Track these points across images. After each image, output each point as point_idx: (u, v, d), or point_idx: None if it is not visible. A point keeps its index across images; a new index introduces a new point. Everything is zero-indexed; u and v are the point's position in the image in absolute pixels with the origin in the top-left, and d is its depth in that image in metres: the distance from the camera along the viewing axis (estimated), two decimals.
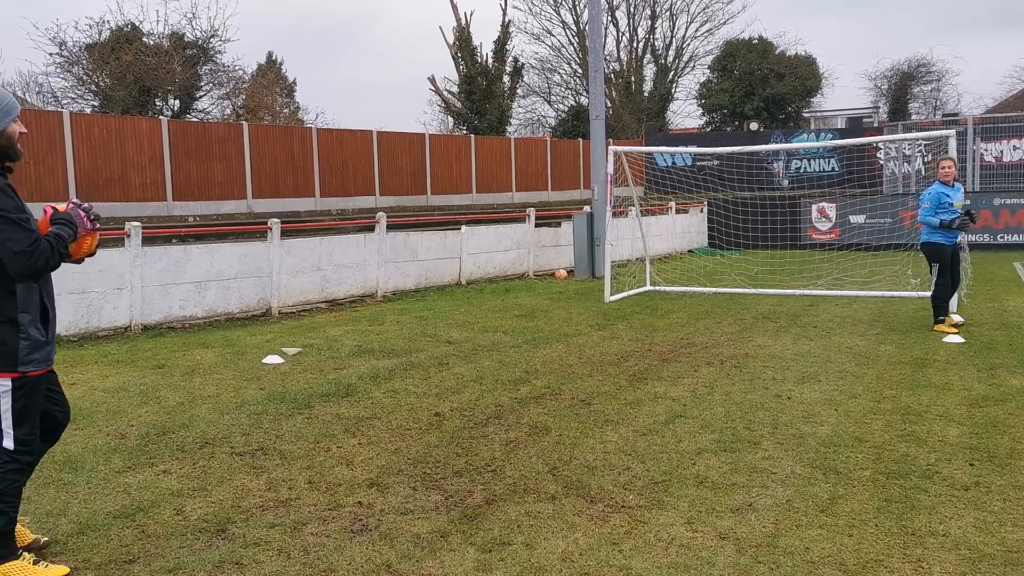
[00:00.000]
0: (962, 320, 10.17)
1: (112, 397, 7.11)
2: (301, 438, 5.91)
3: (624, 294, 13.75)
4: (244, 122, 24.83)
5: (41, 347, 3.75)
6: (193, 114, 30.72)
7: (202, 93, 31.40)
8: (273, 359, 8.64)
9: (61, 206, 3.86)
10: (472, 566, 3.87)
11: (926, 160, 24.41)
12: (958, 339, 9.10)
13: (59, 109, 24.59)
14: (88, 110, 27.51)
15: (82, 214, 3.83)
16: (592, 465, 5.23)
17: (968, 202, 9.67)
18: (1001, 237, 21.71)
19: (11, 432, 3.69)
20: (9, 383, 3.67)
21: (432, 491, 4.83)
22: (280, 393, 7.21)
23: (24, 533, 4.03)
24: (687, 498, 4.64)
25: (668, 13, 46.00)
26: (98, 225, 3.89)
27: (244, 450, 5.65)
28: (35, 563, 3.81)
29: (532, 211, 17.93)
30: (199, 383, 7.69)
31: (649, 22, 45.37)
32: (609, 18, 44.07)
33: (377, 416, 6.47)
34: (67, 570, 3.83)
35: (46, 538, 4.14)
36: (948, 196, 9.72)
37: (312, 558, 3.98)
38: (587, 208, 18.14)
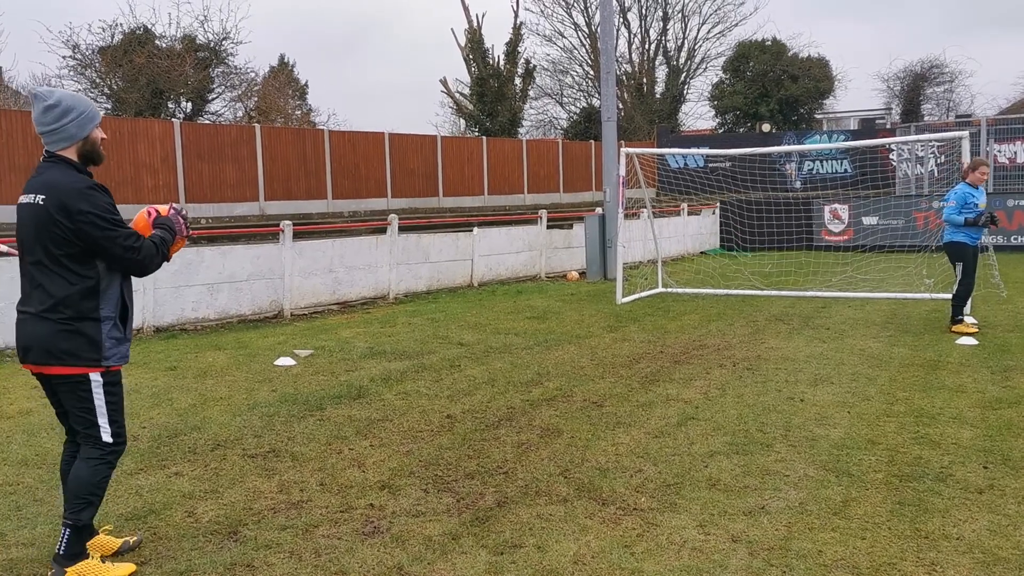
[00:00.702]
0: (975, 322, 10.13)
1: (125, 398, 7.14)
2: (313, 440, 5.92)
3: (636, 296, 13.73)
4: (256, 124, 24.93)
5: (122, 343, 3.88)
6: (205, 116, 30.86)
7: (214, 95, 31.53)
8: (285, 361, 8.66)
9: (163, 209, 4.03)
10: (483, 568, 3.86)
11: (939, 161, 24.28)
12: (972, 341, 9.05)
13: None
14: (101, 112, 27.65)
15: (181, 221, 4.04)
16: (604, 467, 5.22)
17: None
18: (1015, 239, 21.56)
19: (107, 426, 3.83)
20: (100, 377, 3.79)
21: (444, 493, 4.83)
22: (292, 395, 7.23)
23: (108, 541, 4.07)
24: (699, 501, 4.63)
25: (680, 15, 45.96)
26: (191, 231, 4.08)
27: (256, 452, 5.67)
28: (103, 560, 3.89)
29: (544, 213, 17.92)
30: (211, 385, 7.72)
31: (661, 24, 45.31)
32: (621, 20, 44.04)
33: (389, 418, 6.47)
34: (133, 567, 3.90)
35: (136, 536, 4.22)
36: (974, 197, 9.67)
37: (324, 560, 3.98)
38: (599, 210, 18.11)
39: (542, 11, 59.23)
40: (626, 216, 14.47)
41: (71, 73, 28.80)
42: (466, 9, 36.47)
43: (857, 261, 16.07)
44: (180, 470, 5.30)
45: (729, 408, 6.56)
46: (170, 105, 29.36)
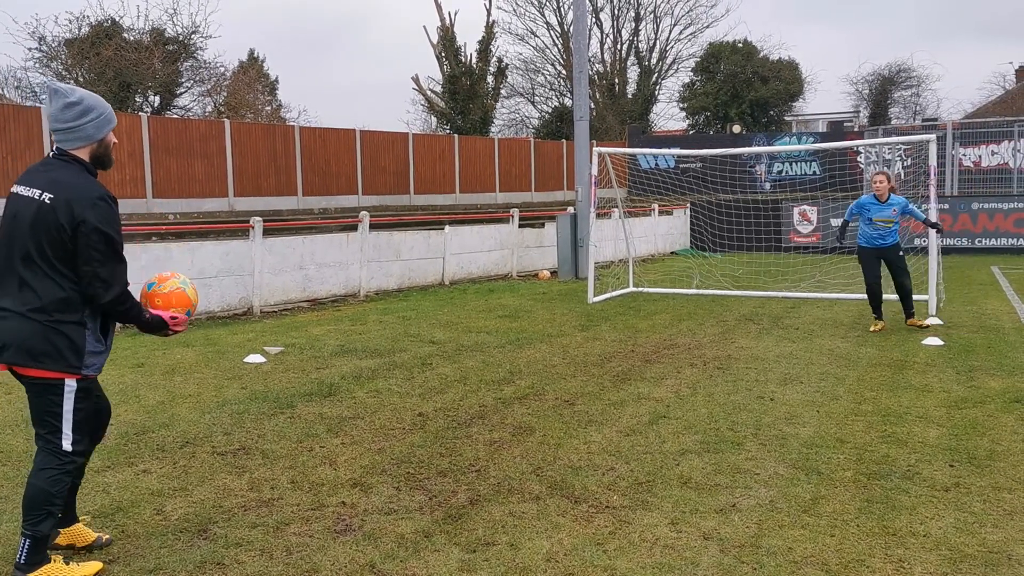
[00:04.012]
0: (938, 323, 10.32)
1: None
2: (283, 438, 5.87)
3: (607, 295, 13.78)
4: (226, 119, 24.68)
5: (100, 354, 3.80)
6: (173, 111, 30.48)
7: (183, 90, 31.14)
8: (255, 358, 8.59)
9: (181, 319, 3.98)
10: (456, 566, 3.86)
11: (906, 164, 24.60)
12: (938, 341, 9.18)
13: (38, 104, 24.36)
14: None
15: (169, 329, 3.96)
16: (576, 465, 5.23)
17: (896, 219, 10.01)
18: (979, 241, 21.93)
19: (69, 434, 3.72)
20: (75, 384, 3.70)
21: (416, 491, 4.82)
22: (262, 392, 7.17)
23: (86, 532, 4.05)
24: (671, 499, 4.65)
25: (652, 15, 46.18)
26: (169, 334, 4.02)
27: (226, 450, 5.61)
28: (66, 562, 3.80)
29: (516, 212, 17.93)
30: (179, 382, 7.64)
31: (633, 24, 45.49)
32: (593, 20, 44.13)
33: (360, 416, 6.44)
34: (100, 565, 3.83)
35: (108, 535, 4.15)
36: (868, 210, 10.04)
37: (295, 558, 3.95)
38: (571, 209, 18.15)
39: (515, 10, 58.97)
40: (598, 216, 14.51)
41: (36, 65, 28.35)
42: (438, 7, 36.32)
43: (826, 262, 16.23)
44: (148, 468, 5.24)
45: (700, 407, 6.61)
46: (138, 99, 28.95)
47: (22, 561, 3.65)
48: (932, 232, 11.20)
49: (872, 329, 10.10)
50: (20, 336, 3.60)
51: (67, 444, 3.72)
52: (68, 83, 27.44)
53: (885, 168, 10.64)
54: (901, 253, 10.10)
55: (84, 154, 3.75)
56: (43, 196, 3.59)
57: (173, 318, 3.95)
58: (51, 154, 3.76)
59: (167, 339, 9.78)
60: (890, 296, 10.39)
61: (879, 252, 10.06)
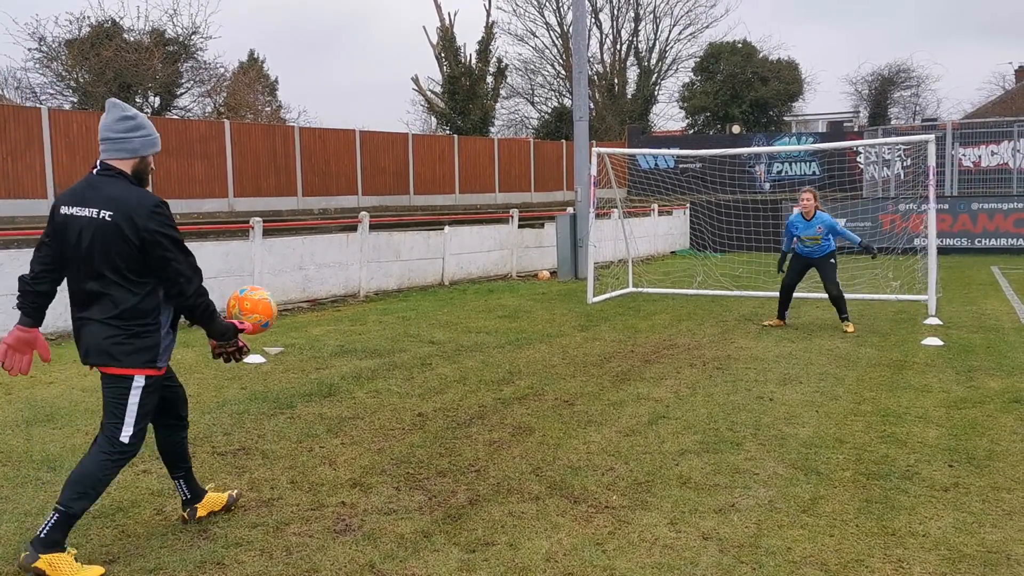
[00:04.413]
0: (937, 323, 10.34)
1: (91, 396, 7.04)
2: (283, 438, 5.88)
3: (607, 295, 13.78)
4: (226, 120, 24.68)
5: (170, 347, 4.02)
6: (173, 111, 30.48)
7: (183, 90, 31.15)
8: (255, 358, 8.59)
9: (247, 325, 4.32)
10: (456, 566, 3.86)
11: (905, 165, 24.62)
12: (937, 342, 9.19)
13: (38, 105, 24.36)
14: (67, 106, 27.22)
15: (238, 340, 4.24)
16: (575, 466, 5.23)
17: (823, 236, 10.24)
18: (979, 241, 21.93)
19: (131, 427, 3.89)
20: (143, 380, 3.89)
21: (415, 491, 4.82)
22: (262, 393, 7.17)
23: (219, 496, 4.48)
24: (670, 499, 4.66)
25: (652, 16, 46.22)
26: (233, 347, 4.26)
27: (226, 450, 5.62)
28: (76, 560, 3.85)
29: (515, 212, 17.93)
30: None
31: (632, 24, 45.53)
32: (593, 20, 44.16)
33: (360, 416, 6.44)
34: (102, 570, 3.86)
35: (236, 491, 4.61)
36: (796, 227, 10.39)
37: (295, 558, 3.96)
38: (570, 209, 18.16)
39: (514, 10, 59.16)
40: (597, 216, 14.51)
41: (36, 66, 28.35)
42: (438, 7, 36.31)
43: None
44: (148, 468, 5.24)
45: (699, 407, 6.61)
46: (138, 99, 28.95)
47: (42, 535, 3.72)
48: (932, 233, 11.21)
49: (764, 323, 10.76)
50: (100, 340, 3.82)
51: (126, 436, 3.88)
52: (70, 82, 27.35)
53: (811, 188, 10.80)
54: (832, 261, 10.37)
55: (127, 167, 3.92)
56: (103, 214, 3.76)
57: (242, 330, 4.21)
58: (94, 170, 3.90)
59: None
60: (889, 297, 10.41)
61: (810, 261, 10.41)
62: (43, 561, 3.69)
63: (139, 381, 3.87)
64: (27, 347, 3.97)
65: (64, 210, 3.82)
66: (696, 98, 41.55)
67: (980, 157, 25.13)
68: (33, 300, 3.92)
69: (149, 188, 4.09)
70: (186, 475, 4.36)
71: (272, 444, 5.74)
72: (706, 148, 26.56)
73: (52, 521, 3.74)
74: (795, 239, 10.36)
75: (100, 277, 3.79)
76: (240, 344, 4.23)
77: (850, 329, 10.12)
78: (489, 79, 37.20)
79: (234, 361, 4.28)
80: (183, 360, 8.61)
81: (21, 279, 3.93)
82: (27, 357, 3.98)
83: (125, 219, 3.74)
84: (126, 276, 3.80)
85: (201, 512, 4.38)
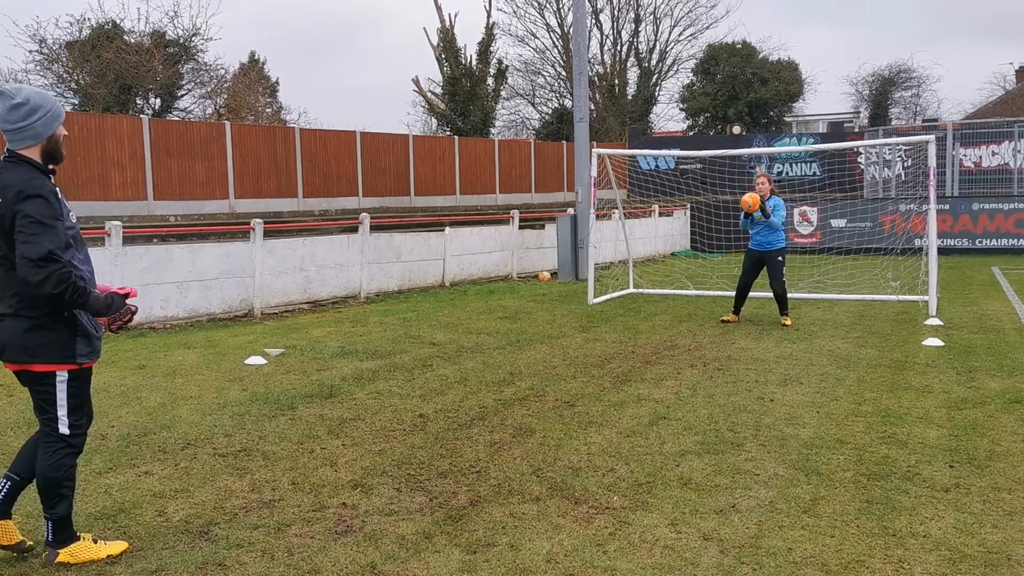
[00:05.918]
0: (938, 323, 10.34)
1: (92, 398, 7.05)
2: (284, 439, 5.88)
3: (607, 296, 13.78)
4: (226, 121, 24.69)
5: (92, 340, 3.95)
6: (174, 113, 30.49)
7: (183, 92, 31.17)
8: (256, 360, 8.60)
9: (132, 296, 3.98)
10: (457, 567, 3.87)
11: (906, 165, 24.62)
12: (938, 342, 9.19)
13: None
14: (68, 108, 27.25)
15: (121, 314, 3.91)
16: (576, 467, 5.24)
17: (760, 218, 10.62)
18: (980, 242, 21.94)
19: (66, 419, 3.89)
20: (66, 374, 3.86)
21: (416, 492, 4.83)
22: (263, 394, 7.18)
23: (12, 531, 3.99)
24: (671, 499, 4.66)
25: (652, 17, 46.21)
26: (112, 327, 4.00)
27: (227, 451, 5.62)
28: (94, 540, 4.00)
29: (516, 213, 17.94)
30: (180, 384, 7.65)
31: (633, 25, 45.50)
32: (593, 21, 44.16)
33: (361, 417, 6.45)
34: (126, 545, 4.02)
35: (31, 542, 4.09)
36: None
37: (296, 559, 3.96)
38: (571, 210, 18.16)
39: (515, 12, 59.30)
40: (597, 217, 14.52)
41: (37, 68, 28.34)
42: (439, 8, 36.33)
43: (825, 263, 16.25)
44: (150, 469, 5.25)
45: (700, 408, 6.61)
46: (138, 101, 28.99)
47: (50, 538, 3.90)
48: (932, 232, 11.22)
49: (722, 319, 11.08)
50: (13, 335, 3.78)
51: (63, 428, 3.89)
52: (70, 84, 27.37)
53: (766, 172, 11.05)
54: (780, 259, 10.66)
55: (35, 153, 3.80)
56: None
57: (127, 295, 3.93)
58: (3, 157, 3.82)
59: (168, 341, 9.80)
60: (889, 297, 10.41)
61: (761, 255, 10.76)
62: (64, 554, 3.88)
63: (62, 375, 3.83)
64: None
65: None
66: (696, 99, 41.56)
67: (981, 157, 25.12)
68: None
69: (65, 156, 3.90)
70: (14, 486, 3.97)
71: (273, 445, 5.74)
72: (706, 149, 26.53)
73: (49, 528, 3.91)
74: (750, 220, 10.71)
75: (3, 262, 3.72)
76: (133, 308, 3.97)
77: (788, 323, 10.61)
78: (490, 80, 37.22)
79: (125, 328, 4.06)
80: (183, 362, 8.62)
81: None
82: None
83: (7, 203, 3.64)
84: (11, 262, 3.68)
85: None
